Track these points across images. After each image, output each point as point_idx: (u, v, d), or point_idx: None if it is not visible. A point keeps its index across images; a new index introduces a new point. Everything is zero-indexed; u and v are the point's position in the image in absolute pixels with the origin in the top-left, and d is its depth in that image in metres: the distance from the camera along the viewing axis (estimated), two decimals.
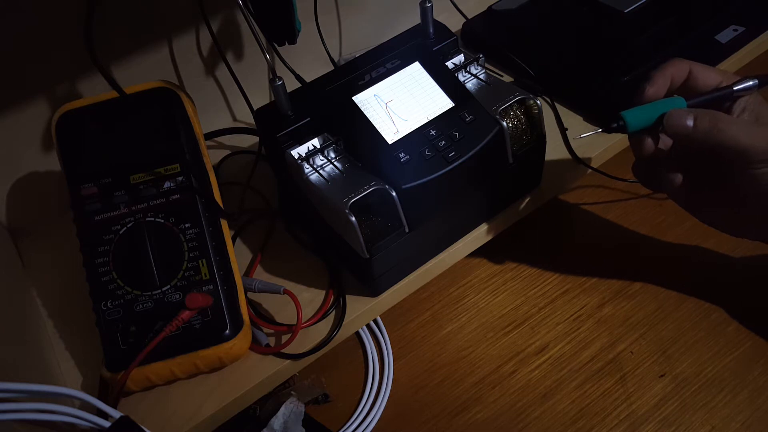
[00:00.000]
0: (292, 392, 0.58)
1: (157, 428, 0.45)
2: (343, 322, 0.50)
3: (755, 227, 0.50)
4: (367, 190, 0.45)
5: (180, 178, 0.49)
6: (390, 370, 0.61)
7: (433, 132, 0.48)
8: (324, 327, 0.51)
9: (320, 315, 0.51)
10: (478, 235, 0.55)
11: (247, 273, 0.55)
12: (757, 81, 0.47)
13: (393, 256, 0.49)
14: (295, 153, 0.49)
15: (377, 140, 0.48)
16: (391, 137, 0.48)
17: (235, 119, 0.70)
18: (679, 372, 0.57)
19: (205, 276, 0.47)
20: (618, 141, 0.60)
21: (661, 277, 0.64)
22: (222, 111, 0.69)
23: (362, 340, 0.63)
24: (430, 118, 0.49)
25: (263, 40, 0.54)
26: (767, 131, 0.44)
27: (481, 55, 0.53)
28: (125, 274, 0.47)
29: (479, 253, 0.58)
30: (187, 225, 0.48)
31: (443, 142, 0.48)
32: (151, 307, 0.46)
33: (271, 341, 0.51)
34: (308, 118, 0.49)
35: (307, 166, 0.49)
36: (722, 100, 0.48)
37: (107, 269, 0.47)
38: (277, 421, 0.55)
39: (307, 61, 0.66)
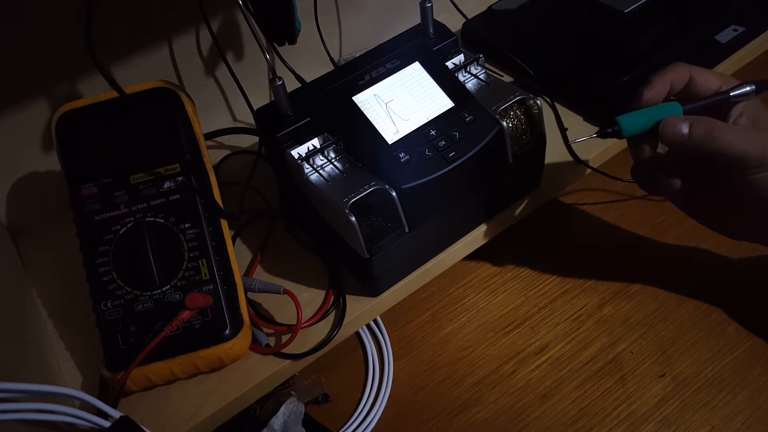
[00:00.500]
0: (292, 392, 0.58)
1: (157, 428, 0.45)
2: (343, 322, 0.50)
3: (753, 230, 0.50)
4: (367, 190, 0.45)
5: (180, 178, 0.49)
6: (390, 370, 0.61)
7: (433, 132, 0.48)
8: (324, 327, 0.51)
9: (320, 315, 0.51)
10: (478, 235, 0.55)
11: (247, 273, 0.55)
12: (754, 87, 0.47)
13: (393, 256, 0.49)
14: (295, 153, 0.49)
15: (377, 140, 0.48)
16: (391, 137, 0.48)
17: (235, 119, 0.70)
18: (679, 372, 0.57)
19: (205, 276, 0.47)
20: (618, 141, 0.60)
21: (661, 277, 0.64)
22: (222, 111, 0.69)
23: (362, 340, 0.63)
24: (430, 118, 0.49)
25: (263, 40, 0.54)
26: (763, 137, 0.44)
27: (481, 55, 0.53)
28: (125, 274, 0.47)
29: (479, 253, 0.58)
30: (187, 225, 0.48)
31: (443, 142, 0.48)
32: (151, 307, 0.46)
33: (271, 341, 0.51)
34: (308, 118, 0.49)
35: (307, 166, 0.49)
36: (719, 105, 0.48)
37: (107, 269, 0.47)
38: (277, 421, 0.55)
39: (307, 61, 0.66)
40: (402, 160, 0.47)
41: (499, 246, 0.61)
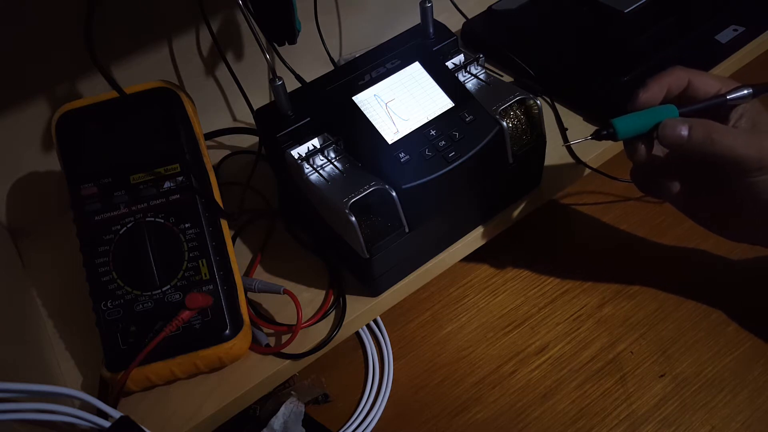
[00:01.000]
0: (292, 392, 0.58)
1: (157, 428, 0.45)
2: (343, 322, 0.50)
3: (753, 232, 0.50)
4: (367, 190, 0.45)
5: (180, 178, 0.49)
6: (390, 370, 0.61)
7: (433, 132, 0.48)
8: (324, 327, 0.51)
9: (320, 315, 0.51)
10: (478, 235, 0.55)
11: (247, 273, 0.55)
12: (751, 90, 0.46)
13: (393, 256, 0.49)
14: (295, 153, 0.49)
15: (377, 140, 0.48)
16: (391, 137, 0.48)
17: (235, 119, 0.70)
18: (679, 372, 0.57)
19: (205, 276, 0.47)
20: (618, 142, 0.60)
21: (661, 277, 0.64)
22: (222, 111, 0.69)
23: (362, 340, 0.63)
24: (430, 118, 0.49)
25: (263, 40, 0.54)
26: (762, 139, 0.44)
27: (481, 55, 0.53)
28: (125, 274, 0.47)
29: (479, 253, 0.58)
30: (187, 225, 0.48)
31: (443, 142, 0.48)
32: (151, 307, 0.46)
33: (271, 341, 0.51)
34: (308, 118, 0.49)
35: (307, 166, 0.49)
36: (717, 108, 0.47)
37: (107, 269, 0.47)
38: (277, 421, 0.56)
39: (307, 61, 0.66)
40: (402, 160, 0.47)
41: (499, 246, 0.61)
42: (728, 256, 0.64)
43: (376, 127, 0.48)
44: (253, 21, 0.53)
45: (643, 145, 0.48)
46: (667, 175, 0.50)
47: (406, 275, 0.53)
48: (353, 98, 0.49)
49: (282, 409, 0.56)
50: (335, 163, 0.49)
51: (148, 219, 0.48)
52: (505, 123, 0.49)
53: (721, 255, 0.64)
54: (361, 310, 0.51)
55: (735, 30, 0.66)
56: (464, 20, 0.72)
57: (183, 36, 0.61)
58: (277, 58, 0.62)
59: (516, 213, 0.57)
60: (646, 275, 0.64)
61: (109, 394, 0.46)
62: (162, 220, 0.48)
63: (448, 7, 0.68)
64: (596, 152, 0.60)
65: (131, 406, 0.47)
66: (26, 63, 0.54)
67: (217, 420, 0.48)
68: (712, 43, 0.65)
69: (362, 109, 0.49)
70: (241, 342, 0.47)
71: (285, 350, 0.49)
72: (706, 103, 0.47)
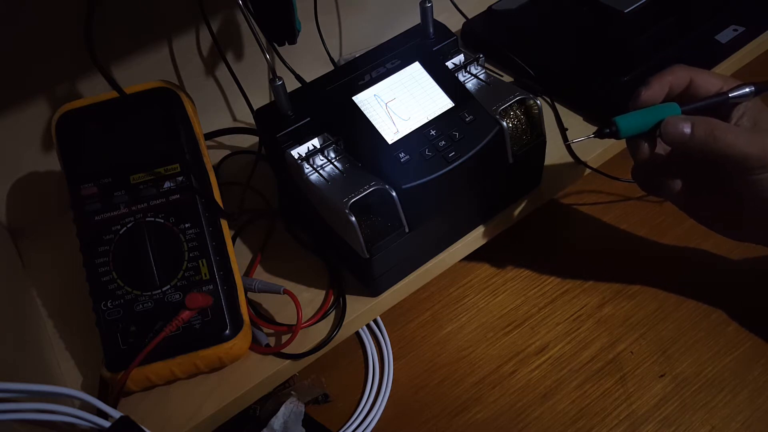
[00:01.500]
0: (292, 392, 0.58)
1: (157, 428, 0.45)
2: (343, 322, 0.50)
3: (754, 230, 0.50)
4: (367, 190, 0.45)
5: (180, 178, 0.49)
6: (390, 370, 0.61)
7: (433, 132, 0.48)
8: (324, 327, 0.51)
9: (320, 315, 0.51)
10: (478, 236, 0.55)
11: (247, 273, 0.55)
12: (753, 88, 0.46)
13: (393, 256, 0.49)
14: (295, 153, 0.49)
15: (377, 140, 0.48)
16: (391, 137, 0.48)
17: (235, 119, 0.70)
18: (679, 372, 0.57)
19: (205, 276, 0.47)
20: (617, 142, 0.60)
21: (661, 277, 0.64)
22: (222, 111, 0.69)
23: (362, 340, 0.63)
24: (430, 118, 0.49)
25: (263, 40, 0.54)
26: (764, 138, 0.44)
27: (481, 55, 0.53)
28: (125, 274, 0.47)
29: (479, 253, 0.58)
30: (187, 225, 0.48)
31: (443, 142, 0.48)
32: (151, 307, 0.46)
33: (271, 341, 0.51)
34: (308, 118, 0.49)
35: (307, 166, 0.49)
36: (718, 106, 0.47)
37: (107, 269, 0.47)
38: (277, 421, 0.55)
39: (307, 61, 0.66)
40: (402, 160, 0.47)
41: (499, 246, 0.61)
42: (728, 256, 0.64)
43: (376, 127, 0.48)
44: (253, 21, 0.53)
45: (645, 143, 0.48)
46: (669, 173, 0.50)
47: (406, 275, 0.53)
48: (353, 98, 0.49)
49: (282, 409, 0.56)
50: (335, 163, 0.49)
51: (148, 219, 0.48)
52: (505, 123, 0.49)
53: (721, 255, 0.64)
54: (361, 310, 0.51)
55: (735, 30, 0.66)
56: (464, 20, 0.72)
57: (183, 36, 0.61)
58: (277, 58, 0.62)
59: (516, 213, 0.57)
60: (646, 275, 0.64)
61: (109, 394, 0.46)
62: (162, 220, 0.48)
63: (448, 7, 0.68)
64: (596, 152, 0.60)
65: (131, 406, 0.47)
66: (26, 63, 0.54)
67: (217, 420, 0.48)
68: (712, 43, 0.65)
69: (362, 109, 0.49)
70: (241, 342, 0.47)
71: (285, 350, 0.49)
72: (707, 101, 0.47)
